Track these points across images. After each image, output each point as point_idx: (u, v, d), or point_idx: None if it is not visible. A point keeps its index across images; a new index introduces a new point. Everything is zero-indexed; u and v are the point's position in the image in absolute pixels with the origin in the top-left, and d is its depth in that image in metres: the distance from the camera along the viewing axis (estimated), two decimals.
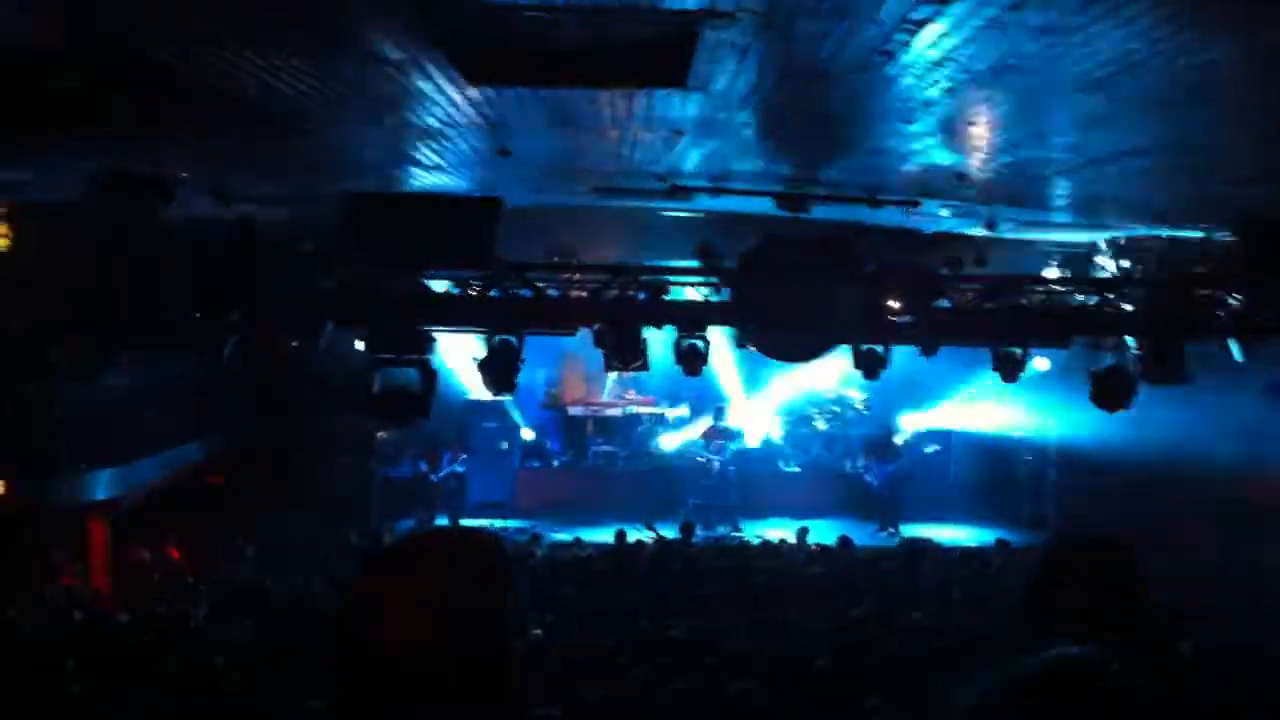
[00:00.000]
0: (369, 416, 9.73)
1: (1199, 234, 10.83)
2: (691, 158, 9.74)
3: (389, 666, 1.83)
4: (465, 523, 16.70)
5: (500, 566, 1.96)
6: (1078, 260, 11.21)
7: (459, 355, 14.31)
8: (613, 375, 14.67)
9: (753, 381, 19.80)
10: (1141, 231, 11.90)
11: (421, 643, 1.84)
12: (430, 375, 9.12)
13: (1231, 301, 9.82)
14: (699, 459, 18.88)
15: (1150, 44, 5.36)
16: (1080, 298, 10.31)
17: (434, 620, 1.85)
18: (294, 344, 9.42)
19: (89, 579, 12.20)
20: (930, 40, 5.49)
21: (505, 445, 19.08)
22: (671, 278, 10.49)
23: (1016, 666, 1.47)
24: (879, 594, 12.00)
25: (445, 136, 8.80)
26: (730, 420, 19.25)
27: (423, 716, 1.83)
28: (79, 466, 12.64)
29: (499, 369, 9.44)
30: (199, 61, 6.31)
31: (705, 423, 19.23)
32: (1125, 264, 10.41)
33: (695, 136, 8.66)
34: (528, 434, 19.61)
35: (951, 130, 7.88)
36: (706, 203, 11.65)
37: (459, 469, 18.25)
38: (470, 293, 9.40)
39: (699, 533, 16.23)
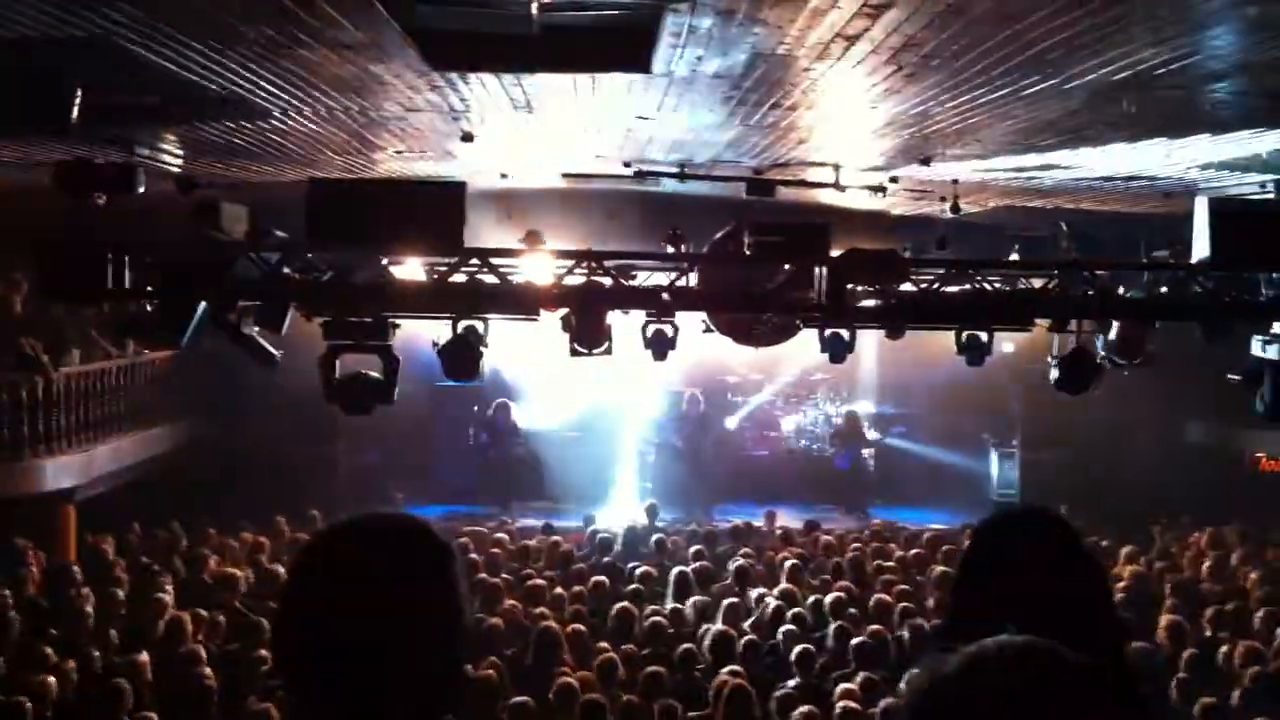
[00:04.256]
0: (330, 403, 9.64)
1: (1159, 217, 10.97)
2: (657, 142, 9.75)
3: (331, 648, 1.85)
4: (431, 510, 16.66)
5: (437, 552, 1.97)
6: (1040, 244, 11.31)
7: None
8: None
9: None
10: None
11: (361, 623, 1.86)
12: (393, 362, 9.06)
13: (1195, 284, 9.90)
14: (671, 444, 18.94)
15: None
16: (1042, 281, 10.37)
17: (369, 606, 1.87)
18: (256, 330, 9.35)
19: (54, 566, 12.10)
20: (891, 25, 5.52)
21: (471, 431, 18.98)
22: (639, 262, 10.48)
23: (942, 659, 1.46)
24: (848, 578, 12.07)
25: (408, 122, 8.77)
26: (702, 407, 19.24)
27: (369, 698, 1.85)
28: (41, 453, 12.55)
29: (462, 356, 9.39)
30: (162, 48, 6.27)
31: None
32: (1086, 247, 10.50)
33: (660, 121, 8.67)
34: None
35: (915, 115, 7.93)
36: (674, 186, 11.67)
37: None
38: (434, 278, 9.37)
39: (666, 517, 16.28)
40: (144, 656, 8.88)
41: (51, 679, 8.24)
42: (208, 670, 8.80)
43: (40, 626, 9.71)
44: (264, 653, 9.15)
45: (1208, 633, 10.14)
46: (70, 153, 8.61)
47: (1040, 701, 1.38)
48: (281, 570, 12.21)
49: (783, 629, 9.93)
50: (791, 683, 8.78)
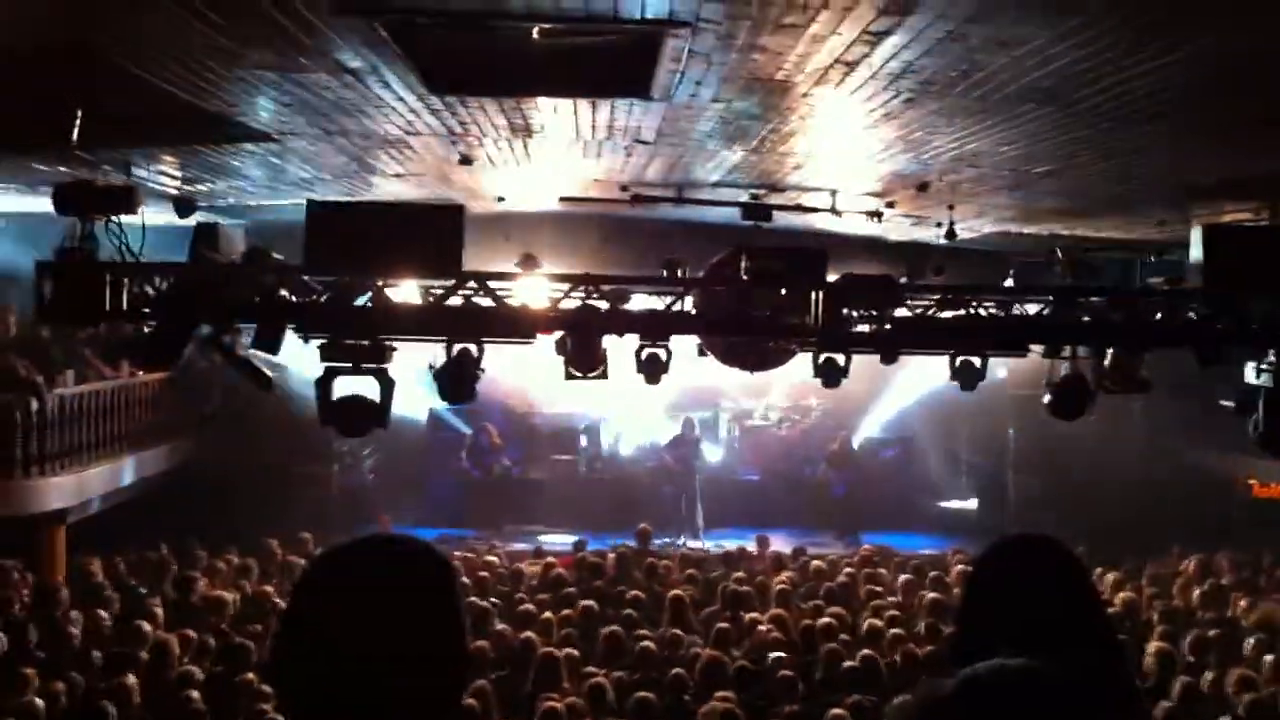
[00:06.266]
0: (326, 426, 9.58)
1: (1155, 244, 10.99)
2: (654, 167, 9.77)
3: (331, 673, 1.84)
4: (422, 532, 16.59)
5: (439, 572, 1.97)
6: (1035, 270, 11.32)
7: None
8: None
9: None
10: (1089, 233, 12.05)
11: (362, 648, 1.85)
12: (388, 384, 9.02)
13: (1189, 310, 9.90)
14: (663, 467, 18.91)
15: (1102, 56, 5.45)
16: (1036, 307, 10.37)
17: (372, 626, 1.87)
18: (251, 352, 9.32)
19: (42, 590, 12.03)
20: (890, 51, 5.54)
21: (463, 454, 18.97)
22: (635, 287, 10.46)
23: (942, 682, 1.47)
24: (839, 603, 12.05)
25: (407, 145, 8.79)
26: (696, 431, 19.21)
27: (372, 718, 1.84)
28: (33, 474, 12.48)
29: (458, 378, 9.37)
30: (165, 72, 6.27)
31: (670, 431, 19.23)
32: (1082, 273, 10.50)
33: (658, 146, 8.69)
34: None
35: (913, 140, 7.96)
36: (670, 211, 11.70)
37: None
38: (430, 301, 9.36)
39: (659, 540, 16.22)
40: (131, 679, 8.81)
41: (39, 701, 8.17)
42: (196, 694, 8.74)
43: (26, 649, 9.63)
44: (252, 676, 9.10)
45: (1195, 660, 10.10)
46: (70, 174, 8.60)
47: None
48: (271, 591, 12.16)
49: (773, 654, 9.90)
50: (783, 709, 8.75)
